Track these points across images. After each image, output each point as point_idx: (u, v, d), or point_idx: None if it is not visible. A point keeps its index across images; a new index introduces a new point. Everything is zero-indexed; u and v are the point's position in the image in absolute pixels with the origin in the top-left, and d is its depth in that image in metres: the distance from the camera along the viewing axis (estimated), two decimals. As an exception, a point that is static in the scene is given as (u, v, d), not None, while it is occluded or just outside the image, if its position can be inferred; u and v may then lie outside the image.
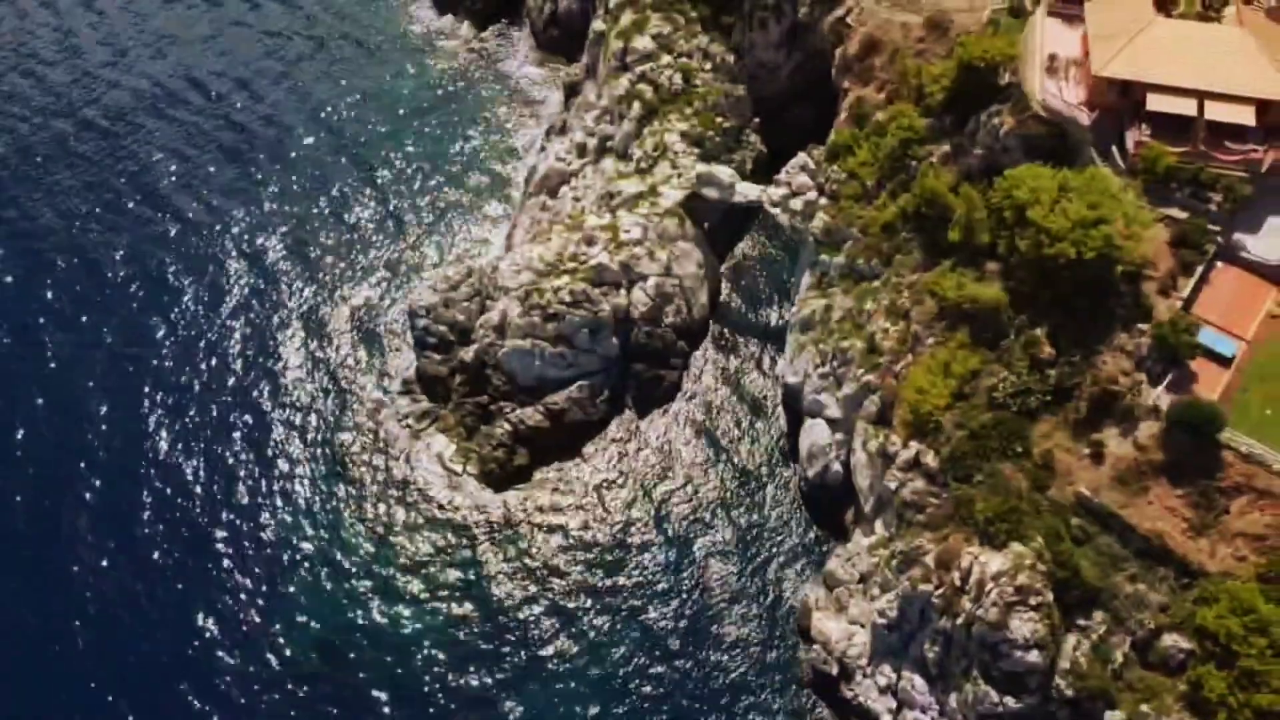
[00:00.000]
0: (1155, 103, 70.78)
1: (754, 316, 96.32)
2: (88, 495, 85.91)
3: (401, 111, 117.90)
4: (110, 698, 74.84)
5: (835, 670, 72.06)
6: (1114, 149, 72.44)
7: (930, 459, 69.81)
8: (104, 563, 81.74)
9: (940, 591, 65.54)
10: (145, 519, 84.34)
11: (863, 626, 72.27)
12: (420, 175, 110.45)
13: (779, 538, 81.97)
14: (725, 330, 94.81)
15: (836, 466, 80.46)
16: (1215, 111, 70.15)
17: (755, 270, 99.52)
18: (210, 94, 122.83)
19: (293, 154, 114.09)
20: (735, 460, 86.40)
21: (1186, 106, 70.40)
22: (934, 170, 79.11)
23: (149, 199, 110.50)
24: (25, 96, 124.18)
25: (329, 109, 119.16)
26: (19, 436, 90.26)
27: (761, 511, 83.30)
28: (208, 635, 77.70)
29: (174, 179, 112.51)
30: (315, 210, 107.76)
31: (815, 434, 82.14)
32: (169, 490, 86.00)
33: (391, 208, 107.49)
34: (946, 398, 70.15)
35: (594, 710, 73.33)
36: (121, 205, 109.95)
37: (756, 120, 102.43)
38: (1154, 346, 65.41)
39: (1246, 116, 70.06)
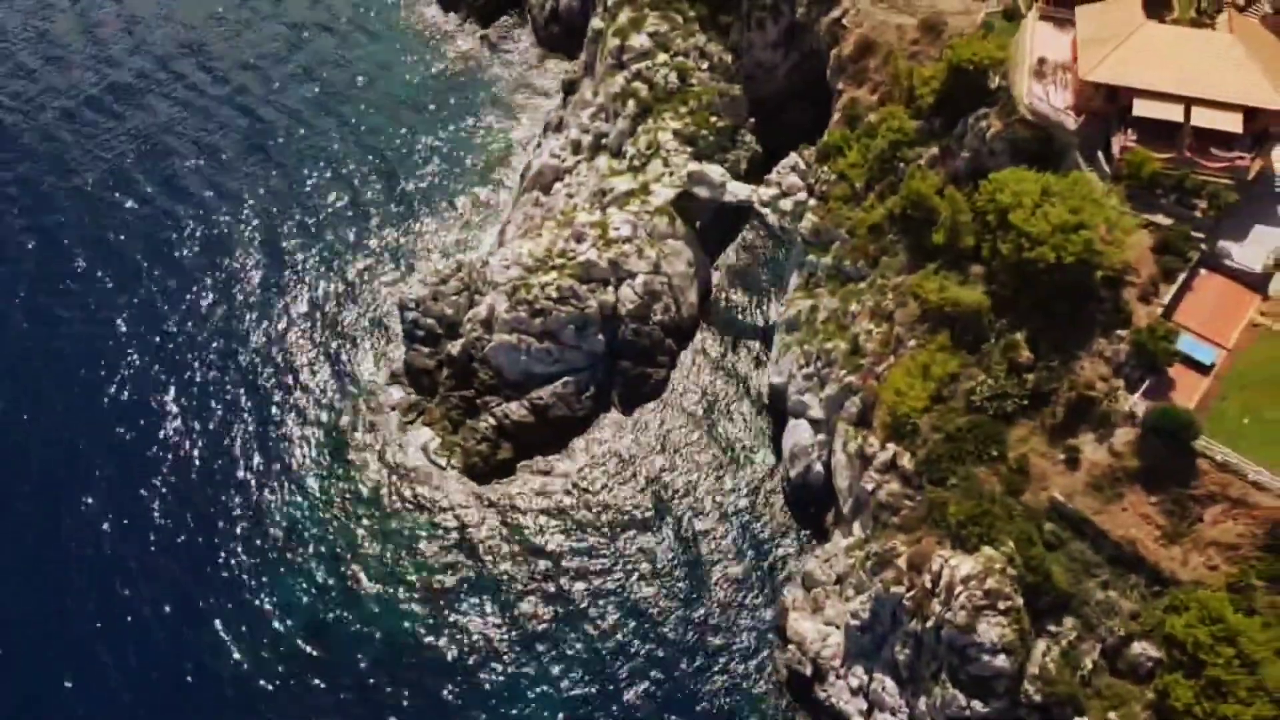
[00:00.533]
0: (1141, 108, 69.97)
1: (743, 316, 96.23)
2: (84, 469, 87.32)
3: (402, 105, 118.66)
4: (101, 671, 76.09)
5: (809, 671, 72.05)
6: (1100, 154, 71.92)
7: (906, 461, 69.63)
8: (96, 541, 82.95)
9: (911, 594, 65.36)
10: (126, 498, 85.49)
11: (837, 628, 72.17)
12: (417, 169, 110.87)
13: (761, 537, 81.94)
14: (714, 329, 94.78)
15: (818, 467, 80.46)
16: (1202, 118, 69.26)
17: (746, 270, 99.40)
18: (219, 80, 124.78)
19: (291, 143, 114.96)
20: (719, 459, 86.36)
21: (1173, 112, 69.60)
22: (921, 173, 78.80)
23: (157, 180, 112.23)
24: (40, 78, 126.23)
25: (331, 100, 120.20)
26: (24, 418, 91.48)
27: (745, 511, 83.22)
28: (195, 621, 78.63)
29: (181, 160, 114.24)
30: (311, 201, 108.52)
31: (798, 434, 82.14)
32: (155, 476, 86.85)
33: (386, 200, 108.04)
34: (925, 400, 69.93)
35: (566, 695, 73.69)
36: (129, 187, 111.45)
37: (752, 120, 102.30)
38: (1132, 352, 64.81)
39: (1233, 123, 69.19)
